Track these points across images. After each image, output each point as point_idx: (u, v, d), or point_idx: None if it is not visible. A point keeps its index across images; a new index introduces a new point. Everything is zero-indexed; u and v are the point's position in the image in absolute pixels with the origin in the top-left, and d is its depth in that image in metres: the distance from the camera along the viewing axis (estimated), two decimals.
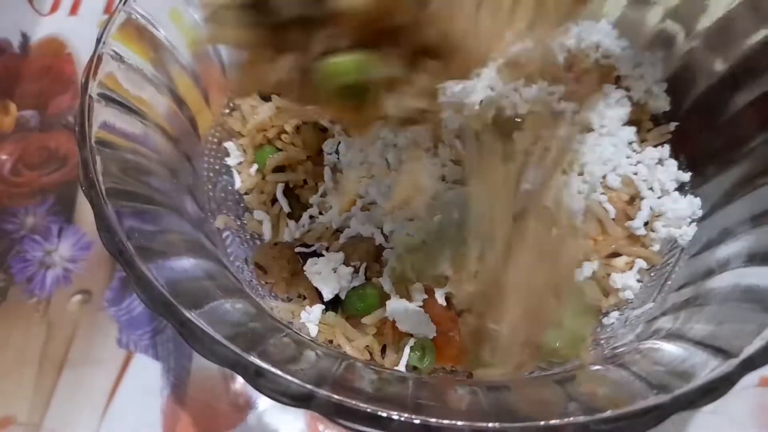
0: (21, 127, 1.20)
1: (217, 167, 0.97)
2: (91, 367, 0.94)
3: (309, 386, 0.57)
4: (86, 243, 1.06)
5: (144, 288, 0.62)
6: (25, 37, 1.31)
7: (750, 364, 0.58)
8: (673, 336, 0.68)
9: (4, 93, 1.23)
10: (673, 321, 0.72)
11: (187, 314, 0.60)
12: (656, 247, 0.86)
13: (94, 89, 0.75)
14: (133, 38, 0.81)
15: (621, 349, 0.74)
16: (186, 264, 0.69)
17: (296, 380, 0.57)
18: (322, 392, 0.57)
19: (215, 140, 0.99)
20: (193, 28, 0.91)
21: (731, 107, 0.89)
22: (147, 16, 0.83)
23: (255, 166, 0.96)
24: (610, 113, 0.93)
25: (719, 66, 0.92)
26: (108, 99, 0.76)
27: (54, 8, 1.37)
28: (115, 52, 0.79)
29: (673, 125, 0.95)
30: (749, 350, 0.59)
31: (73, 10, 1.37)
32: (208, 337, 0.59)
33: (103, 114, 0.74)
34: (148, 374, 0.93)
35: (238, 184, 0.97)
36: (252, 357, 0.58)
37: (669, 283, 0.84)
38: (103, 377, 0.93)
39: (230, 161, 0.98)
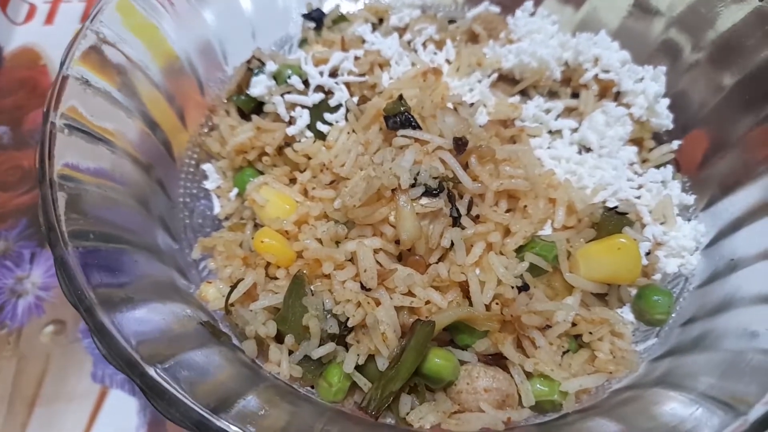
0: None
1: (194, 191, 0.92)
2: (64, 404, 0.89)
3: None
4: None
5: (104, 341, 0.57)
6: None
7: (763, 425, 0.54)
8: (676, 385, 0.63)
9: None
10: (678, 366, 0.68)
11: (150, 371, 0.56)
12: (658, 277, 0.81)
13: (57, 119, 0.70)
14: (99, 61, 0.76)
15: (622, 395, 0.69)
16: (154, 310, 0.64)
17: None
18: None
19: (192, 162, 0.93)
20: (165, 44, 0.86)
21: (740, 126, 0.84)
22: (114, 35, 0.78)
23: (235, 190, 0.90)
24: (610, 132, 0.88)
25: (728, 80, 0.87)
26: (72, 128, 0.70)
27: (29, 17, 1.31)
28: (81, 77, 0.73)
29: (676, 144, 0.90)
30: (761, 409, 0.54)
31: (49, 18, 1.31)
32: (171, 396, 0.54)
33: (66, 146, 0.69)
34: (123, 411, 0.88)
35: (217, 209, 0.92)
36: (221, 420, 0.54)
37: (673, 315, 0.79)
38: (77, 415, 0.88)
39: (209, 185, 0.93)
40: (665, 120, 0.91)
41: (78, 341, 0.94)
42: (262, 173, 0.89)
